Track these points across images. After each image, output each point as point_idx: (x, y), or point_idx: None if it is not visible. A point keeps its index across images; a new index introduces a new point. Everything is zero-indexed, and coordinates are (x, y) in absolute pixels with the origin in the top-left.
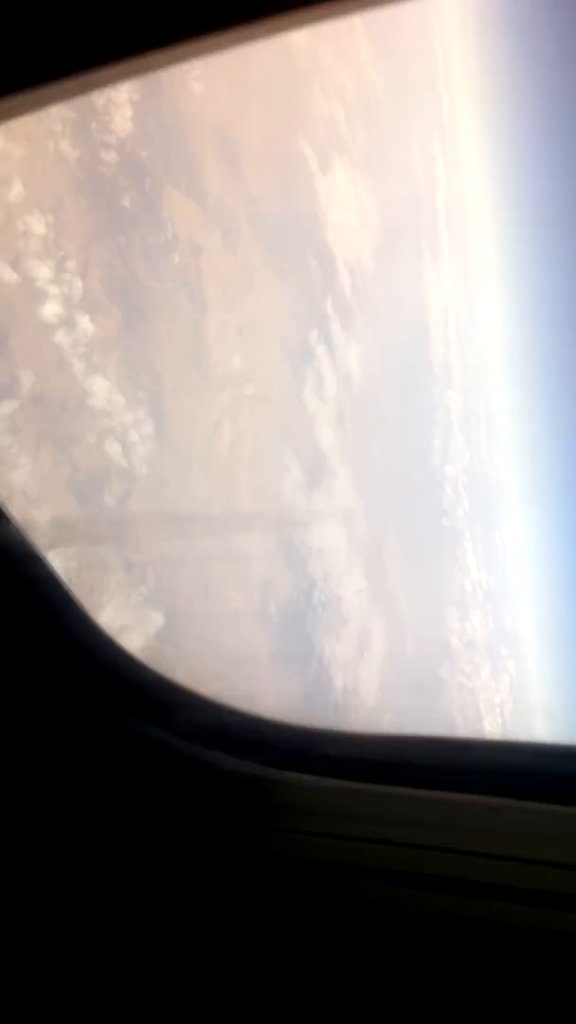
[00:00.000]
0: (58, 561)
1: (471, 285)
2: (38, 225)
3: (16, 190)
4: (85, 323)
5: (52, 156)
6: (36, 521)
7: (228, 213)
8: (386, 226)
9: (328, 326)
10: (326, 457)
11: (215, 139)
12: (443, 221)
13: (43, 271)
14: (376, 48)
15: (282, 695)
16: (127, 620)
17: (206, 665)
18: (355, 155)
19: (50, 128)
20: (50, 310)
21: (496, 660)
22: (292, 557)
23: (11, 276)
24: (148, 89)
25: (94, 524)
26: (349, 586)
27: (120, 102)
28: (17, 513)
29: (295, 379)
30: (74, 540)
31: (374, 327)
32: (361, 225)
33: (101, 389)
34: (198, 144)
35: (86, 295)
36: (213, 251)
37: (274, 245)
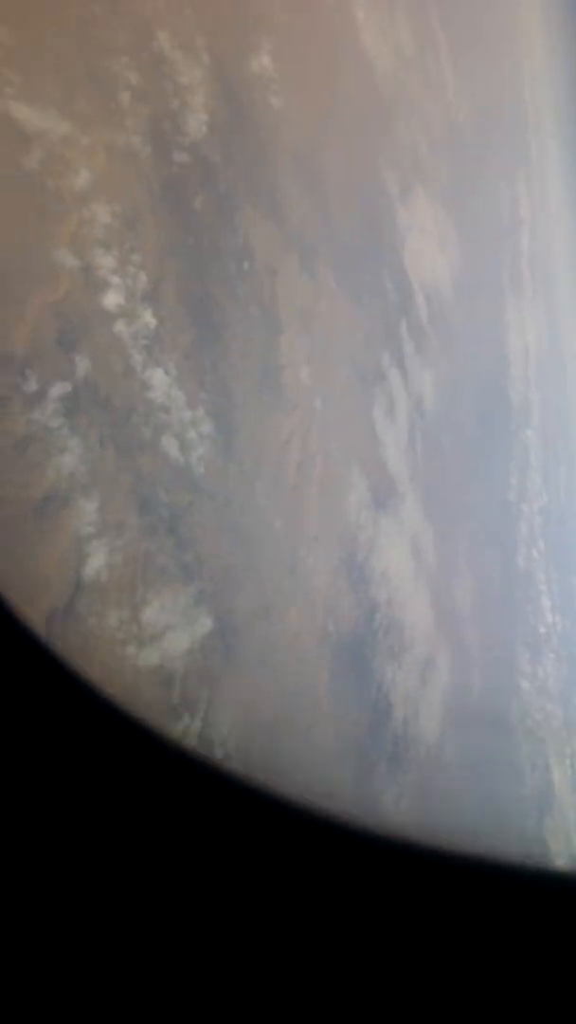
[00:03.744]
0: (104, 553)
1: (555, 328)
2: (104, 215)
3: (83, 177)
4: (147, 317)
5: (121, 148)
6: (84, 509)
7: (306, 236)
8: (466, 259)
9: (402, 349)
10: (394, 480)
11: (293, 158)
12: (526, 261)
13: (107, 260)
14: (464, 85)
15: (340, 720)
16: (173, 619)
17: (258, 684)
18: (437, 185)
19: (120, 121)
20: (111, 300)
21: (569, 709)
22: (354, 577)
23: (72, 262)
24: (225, 97)
25: (147, 518)
26: (414, 613)
27: (195, 107)
28: (64, 497)
29: (365, 398)
30: (123, 532)
31: (450, 356)
32: (440, 255)
33: (160, 383)
34: (275, 162)
35: (150, 289)
36: (289, 273)
37: (351, 269)
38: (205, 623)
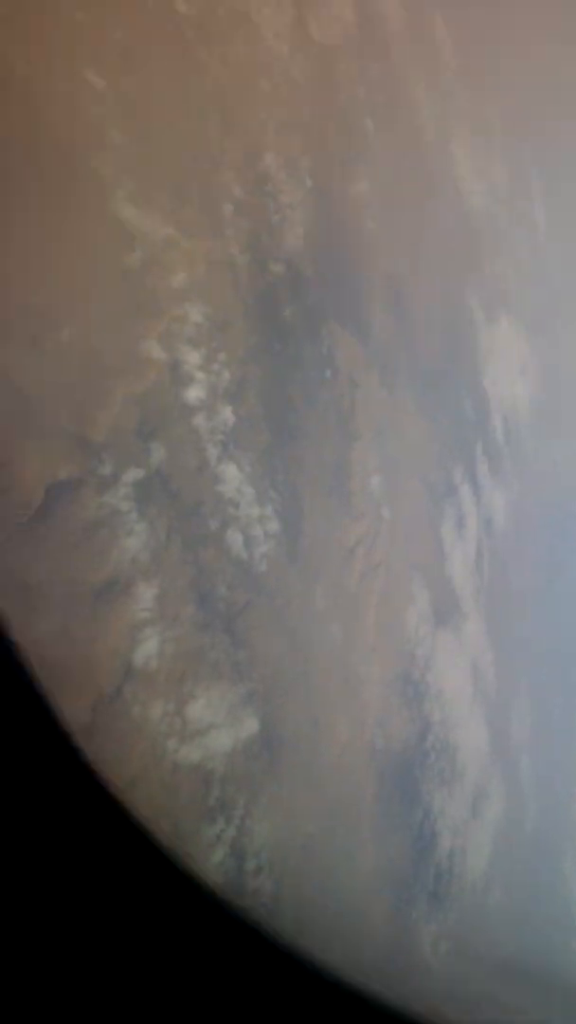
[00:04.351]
0: (156, 641)
1: None
2: (195, 314)
3: (180, 279)
4: (227, 413)
5: (220, 255)
6: (143, 595)
7: (389, 354)
8: (546, 388)
9: (475, 467)
10: (458, 597)
11: (383, 280)
12: None
13: (193, 357)
14: (555, 229)
15: (382, 846)
16: (218, 717)
17: (299, 797)
18: (522, 316)
19: (221, 231)
20: (193, 394)
21: None
22: (409, 693)
23: (161, 356)
24: (323, 216)
25: (204, 613)
26: (469, 737)
27: (294, 222)
28: (126, 583)
29: (434, 513)
30: (178, 623)
31: (523, 480)
32: (520, 381)
33: (232, 478)
34: (365, 281)
35: (232, 388)
36: (369, 387)
37: (430, 388)
38: (251, 725)
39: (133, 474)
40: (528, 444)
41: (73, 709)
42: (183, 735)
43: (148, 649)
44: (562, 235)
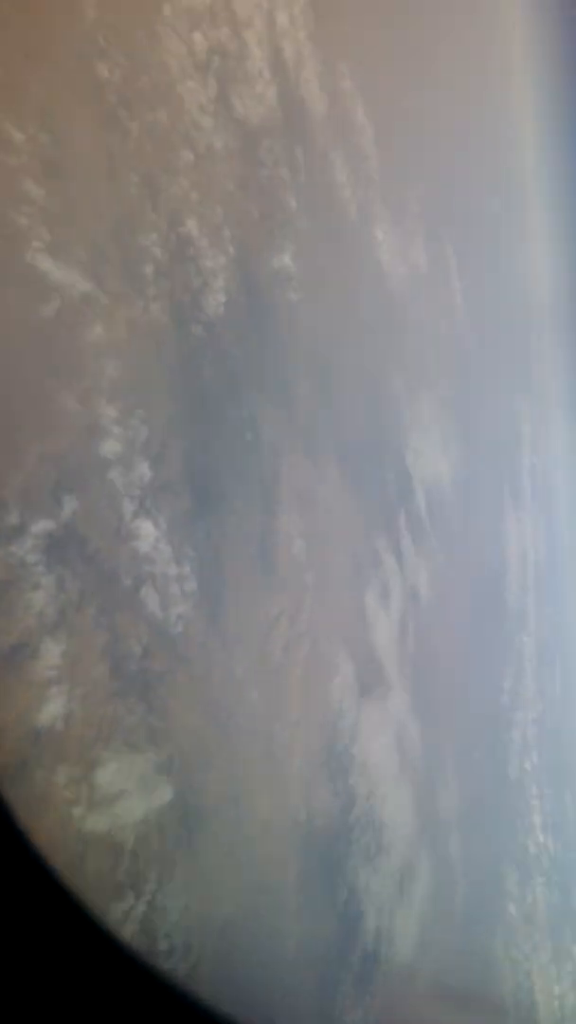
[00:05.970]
0: (63, 701)
1: (553, 539)
2: (112, 369)
3: (96, 333)
4: (143, 469)
5: (139, 312)
6: (50, 651)
7: (312, 423)
8: (467, 463)
9: (399, 539)
10: (382, 667)
11: (305, 351)
12: (527, 473)
13: (109, 411)
14: (472, 311)
15: (306, 927)
16: (129, 784)
17: (218, 874)
18: (441, 393)
19: (142, 289)
20: (109, 448)
21: (559, 944)
22: (333, 766)
23: (75, 407)
24: (245, 284)
25: (119, 682)
26: (395, 812)
27: (215, 288)
28: (35, 646)
29: (358, 582)
30: (88, 683)
31: (447, 553)
32: (442, 456)
33: (148, 535)
34: (287, 351)
35: (151, 444)
36: (293, 456)
37: (353, 459)
38: (164, 794)
39: (43, 526)
40: (451, 518)
41: None
42: (91, 802)
43: (55, 708)
44: (477, 316)
